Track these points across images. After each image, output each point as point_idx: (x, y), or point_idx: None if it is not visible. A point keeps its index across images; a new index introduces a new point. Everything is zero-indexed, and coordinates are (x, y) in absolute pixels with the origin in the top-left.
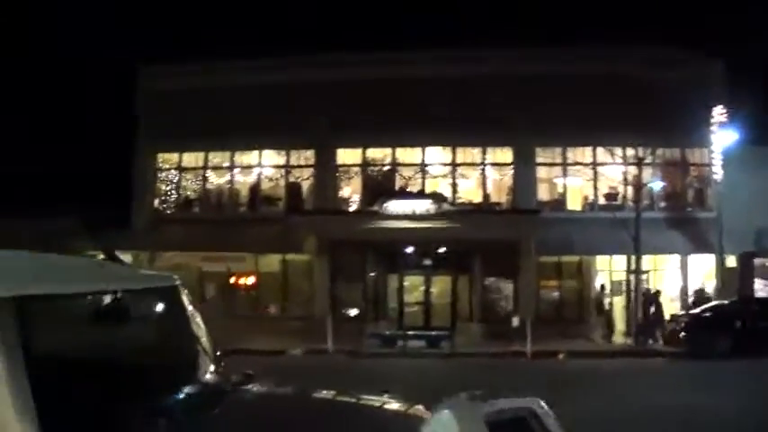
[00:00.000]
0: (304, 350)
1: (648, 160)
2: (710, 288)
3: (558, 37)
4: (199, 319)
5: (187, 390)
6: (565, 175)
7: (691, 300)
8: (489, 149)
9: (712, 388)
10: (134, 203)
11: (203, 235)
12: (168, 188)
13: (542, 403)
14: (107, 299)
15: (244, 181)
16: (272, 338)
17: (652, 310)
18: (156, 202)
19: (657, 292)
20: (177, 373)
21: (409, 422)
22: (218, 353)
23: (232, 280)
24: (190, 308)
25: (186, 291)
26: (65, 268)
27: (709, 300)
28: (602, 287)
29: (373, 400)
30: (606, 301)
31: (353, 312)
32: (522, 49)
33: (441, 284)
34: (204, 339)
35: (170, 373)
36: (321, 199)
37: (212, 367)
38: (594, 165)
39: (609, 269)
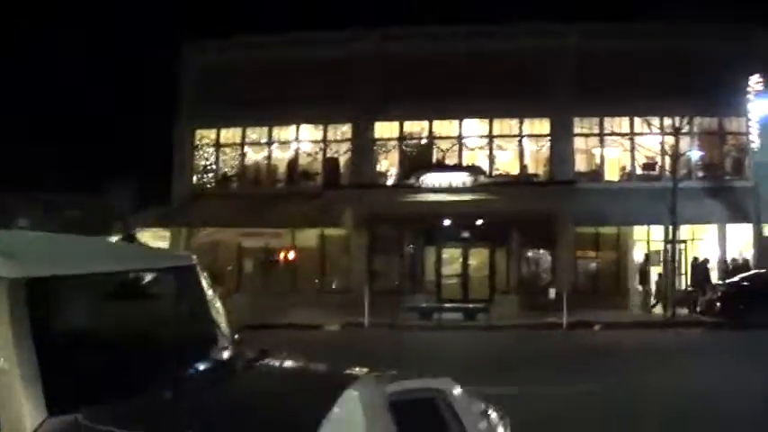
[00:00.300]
0: (341, 324)
1: (686, 130)
2: (748, 257)
3: (593, 9)
4: (216, 298)
5: (199, 366)
6: (602, 145)
7: (727, 269)
8: (526, 121)
9: (748, 361)
10: (173, 180)
11: (242, 211)
12: (207, 164)
13: (453, 383)
14: (123, 278)
15: (282, 156)
16: (310, 313)
17: (699, 278)
18: (195, 178)
19: (706, 260)
20: (191, 349)
21: (326, 397)
22: (236, 335)
23: (273, 255)
24: (206, 286)
25: (204, 271)
26: (81, 249)
27: (745, 269)
28: (647, 257)
29: (336, 373)
30: (654, 270)
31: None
32: (559, 23)
33: (478, 257)
34: (221, 316)
35: (184, 349)
36: (358, 173)
37: (227, 343)
38: (632, 135)
39: (647, 239)
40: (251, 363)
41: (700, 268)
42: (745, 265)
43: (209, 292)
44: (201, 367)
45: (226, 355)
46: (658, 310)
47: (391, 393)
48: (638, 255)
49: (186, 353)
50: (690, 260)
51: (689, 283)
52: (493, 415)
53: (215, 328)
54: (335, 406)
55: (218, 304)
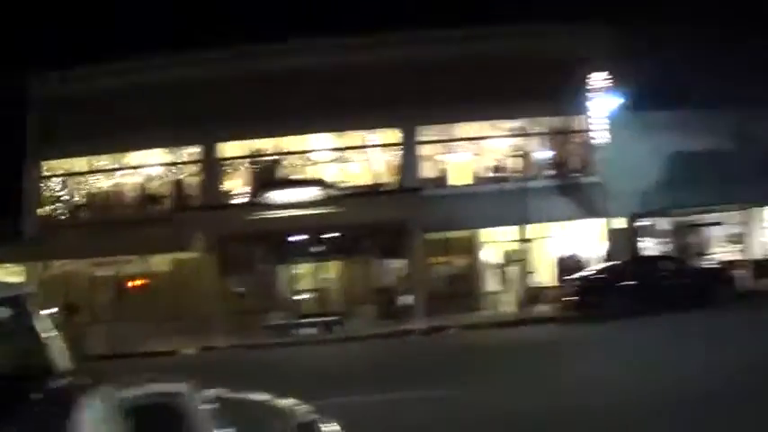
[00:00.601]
0: (197, 348)
1: (533, 130)
2: (603, 250)
3: (438, 16)
4: (50, 327)
5: (28, 398)
6: (451, 151)
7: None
8: (375, 131)
9: (613, 352)
10: (23, 213)
11: (93, 240)
12: (57, 195)
13: (188, 387)
14: None
15: (131, 182)
16: (166, 339)
17: (567, 276)
18: (46, 210)
19: (568, 257)
20: (19, 380)
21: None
22: (71, 366)
23: (126, 283)
24: (39, 316)
25: (35, 299)
26: None
27: (586, 264)
28: (507, 257)
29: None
30: (508, 270)
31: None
32: (403, 31)
33: (332, 270)
34: (54, 347)
35: (10, 381)
36: (209, 194)
37: (61, 373)
38: (480, 139)
39: (500, 240)
40: (79, 392)
41: (564, 264)
42: (574, 262)
43: (44, 322)
44: (32, 398)
45: (57, 385)
46: (512, 307)
47: (131, 398)
48: (492, 256)
49: (16, 384)
50: (544, 257)
51: (556, 279)
52: (328, 428)
53: (48, 358)
54: (74, 413)
55: (54, 334)
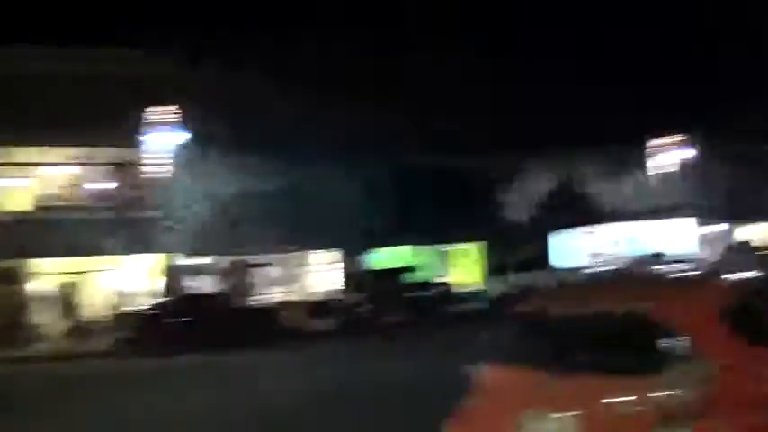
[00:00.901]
0: None
1: (94, 160)
2: (158, 286)
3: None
4: None
5: None
6: (7, 176)
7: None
8: None
9: (159, 388)
10: None
11: None
12: None
13: None
14: None
15: None
16: None
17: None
18: None
19: (124, 293)
20: None
21: None
22: None
23: None
24: None
25: None
26: None
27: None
28: (60, 289)
29: None
30: (60, 303)
31: None
32: None
33: None
34: None
35: None
36: None
37: None
38: (38, 165)
39: (53, 272)
40: None
41: (118, 299)
42: (140, 296)
43: None
44: None
45: None
46: (77, 340)
47: None
48: (43, 288)
49: None
50: (98, 291)
51: (109, 313)
52: None
53: None
54: None
55: None
